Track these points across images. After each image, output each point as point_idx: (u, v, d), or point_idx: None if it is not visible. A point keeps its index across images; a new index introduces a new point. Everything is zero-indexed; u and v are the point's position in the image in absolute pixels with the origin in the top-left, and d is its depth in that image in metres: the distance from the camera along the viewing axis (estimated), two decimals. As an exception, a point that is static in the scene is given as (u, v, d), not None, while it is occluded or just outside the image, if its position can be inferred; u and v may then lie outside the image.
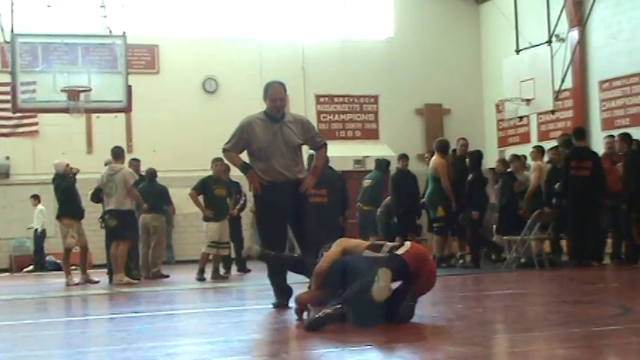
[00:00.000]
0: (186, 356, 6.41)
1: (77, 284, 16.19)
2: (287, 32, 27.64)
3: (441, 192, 16.92)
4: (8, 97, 19.82)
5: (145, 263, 17.85)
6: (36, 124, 24.74)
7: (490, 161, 22.80)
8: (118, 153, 16.51)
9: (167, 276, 17.52)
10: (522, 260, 16.48)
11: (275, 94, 9.74)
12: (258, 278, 13.53)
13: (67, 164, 16.98)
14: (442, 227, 17.20)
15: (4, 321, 10.19)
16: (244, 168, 9.80)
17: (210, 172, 16.72)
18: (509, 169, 17.98)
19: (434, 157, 17.36)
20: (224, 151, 9.99)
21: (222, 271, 17.03)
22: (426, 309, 8.41)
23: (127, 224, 16.33)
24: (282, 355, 6.43)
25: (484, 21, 28.96)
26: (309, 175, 9.85)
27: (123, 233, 16.19)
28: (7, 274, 22.32)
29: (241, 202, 18.36)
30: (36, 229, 23.77)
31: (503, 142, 27.62)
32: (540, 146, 19.52)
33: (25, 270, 23.64)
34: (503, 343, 6.56)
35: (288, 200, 9.54)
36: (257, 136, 9.67)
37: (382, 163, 20.26)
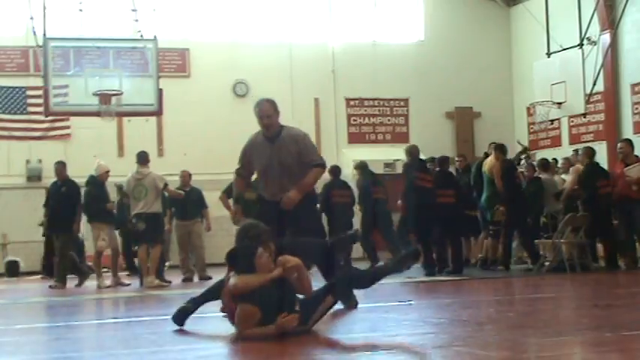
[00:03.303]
0: (216, 359, 6.43)
1: (108, 287, 16.27)
2: (317, 35, 27.67)
3: (497, 195, 16.80)
4: (41, 101, 20.00)
5: (183, 267, 17.89)
6: (68, 127, 24.87)
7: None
8: (144, 157, 16.56)
9: (210, 277, 17.32)
10: (547, 264, 16.42)
11: (261, 112, 9.61)
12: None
13: (108, 171, 17.09)
14: (498, 231, 17.13)
15: (36, 323, 10.26)
16: (237, 199, 9.91)
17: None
18: (537, 174, 17.99)
19: (489, 159, 17.25)
20: (236, 171, 10.08)
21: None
22: (456, 312, 8.39)
23: (156, 227, 16.39)
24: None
25: (515, 24, 28.86)
26: (293, 190, 9.55)
27: (153, 236, 16.24)
28: (39, 276, 22.41)
29: None
30: None
31: (534, 146, 27.50)
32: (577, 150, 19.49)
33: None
34: (533, 348, 6.53)
35: (279, 218, 9.39)
36: (255, 157, 9.70)
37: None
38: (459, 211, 16.98)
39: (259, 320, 6.86)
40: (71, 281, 17.52)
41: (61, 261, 17.21)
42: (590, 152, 17.25)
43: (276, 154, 9.55)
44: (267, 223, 9.42)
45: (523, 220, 16.95)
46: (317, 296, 7.29)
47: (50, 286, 16.71)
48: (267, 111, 9.60)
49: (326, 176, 16.80)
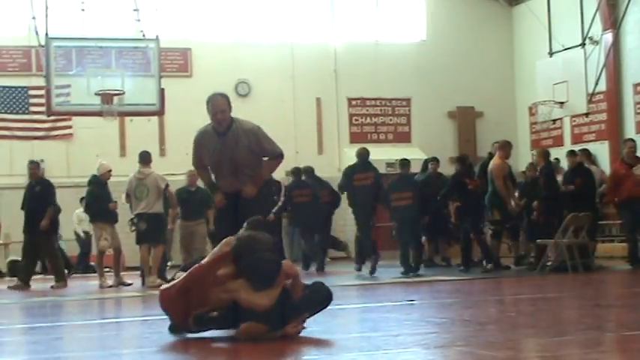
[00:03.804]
0: (219, 358, 6.44)
1: (110, 286, 16.29)
2: (319, 35, 27.66)
3: (498, 195, 16.80)
4: (43, 101, 19.99)
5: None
6: (70, 127, 24.85)
7: (522, 164, 22.67)
8: (146, 157, 16.54)
9: None
10: (549, 264, 16.42)
11: (215, 107, 9.49)
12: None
13: (110, 170, 17.07)
14: (498, 230, 17.17)
15: (39, 323, 10.27)
16: (212, 188, 9.84)
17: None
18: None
19: (494, 159, 17.26)
20: (193, 166, 10.09)
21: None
22: (458, 312, 8.39)
23: (159, 227, 16.40)
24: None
25: (517, 23, 28.83)
26: (250, 185, 9.51)
27: (155, 236, 16.25)
28: (41, 276, 22.41)
29: (279, 204, 18.12)
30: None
31: (536, 145, 27.44)
32: (586, 149, 19.48)
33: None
34: (535, 347, 6.54)
35: (233, 208, 9.40)
36: (206, 152, 9.62)
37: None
38: (416, 213, 17.04)
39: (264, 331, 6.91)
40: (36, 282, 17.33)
41: (53, 260, 17.24)
42: (545, 154, 17.45)
43: (228, 147, 9.44)
44: (224, 214, 9.45)
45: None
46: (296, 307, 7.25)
47: (52, 287, 16.72)
48: (221, 106, 9.49)
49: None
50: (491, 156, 18.02)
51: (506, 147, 17.17)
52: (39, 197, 17.11)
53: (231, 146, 9.43)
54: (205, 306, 7.14)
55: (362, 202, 17.02)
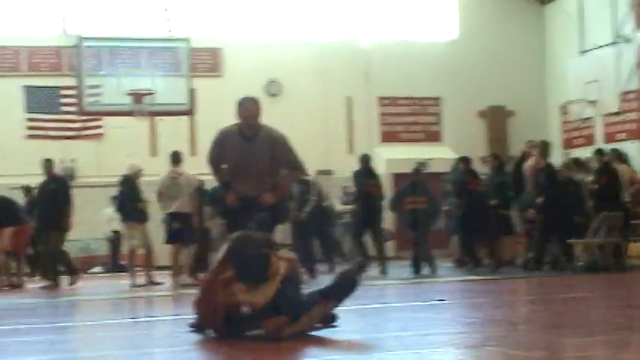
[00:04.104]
0: (247, 358, 6.44)
1: (141, 285, 16.33)
2: (350, 34, 27.64)
3: (530, 194, 16.77)
4: (74, 101, 20.12)
5: None
6: (101, 127, 24.98)
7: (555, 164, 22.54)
8: (177, 157, 16.57)
9: None
10: (580, 264, 16.34)
11: (246, 111, 9.35)
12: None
13: (141, 170, 17.11)
14: (530, 230, 17.11)
15: (70, 322, 10.32)
16: (225, 187, 9.72)
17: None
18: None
19: (531, 157, 17.23)
20: (208, 164, 9.95)
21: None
22: (488, 312, 8.35)
23: (191, 227, 16.43)
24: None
25: (548, 22, 28.69)
26: (268, 193, 9.37)
27: (187, 236, 16.27)
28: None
29: (311, 203, 18.00)
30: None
31: (567, 144, 27.32)
32: (615, 149, 19.35)
33: (90, 271, 23.90)
34: (567, 347, 6.50)
35: (244, 213, 9.13)
36: (228, 154, 9.51)
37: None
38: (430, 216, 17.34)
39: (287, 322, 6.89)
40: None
41: (53, 259, 17.32)
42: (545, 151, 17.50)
43: (251, 153, 9.33)
44: (234, 219, 9.33)
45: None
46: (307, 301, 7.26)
47: (41, 287, 16.77)
48: (252, 111, 9.35)
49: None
50: (524, 155, 17.96)
51: (544, 146, 17.17)
52: (54, 195, 17.19)
53: (256, 152, 9.31)
54: (217, 311, 7.15)
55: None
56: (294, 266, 7.28)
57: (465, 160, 19.49)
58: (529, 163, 16.92)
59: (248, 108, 9.36)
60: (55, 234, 17.27)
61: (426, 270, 16.67)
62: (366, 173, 17.78)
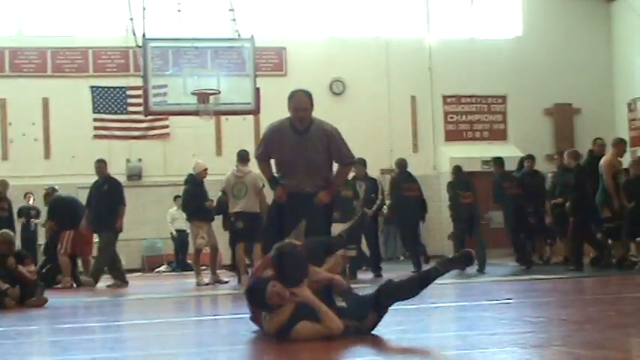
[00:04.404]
0: (310, 354, 6.44)
1: (207, 284, 16.42)
2: (414, 31, 27.59)
3: (606, 192, 16.60)
4: (140, 101, 20.27)
5: None
6: (167, 126, 25.20)
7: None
8: (244, 156, 16.56)
9: None
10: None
11: (298, 104, 9.28)
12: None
13: (206, 169, 17.18)
14: (610, 228, 16.91)
15: (136, 320, 10.41)
16: (273, 184, 9.60)
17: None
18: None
19: (606, 155, 17.06)
20: (256, 158, 9.87)
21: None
22: (554, 311, 8.28)
23: (257, 226, 16.43)
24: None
25: (615, 19, 28.37)
26: (324, 192, 9.40)
27: (254, 234, 16.16)
28: (139, 273, 22.75)
29: (377, 202, 17.89)
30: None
31: (635, 142, 26.98)
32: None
33: (156, 270, 24.13)
34: (635, 347, 6.42)
35: (295, 210, 9.24)
36: (280, 148, 9.42)
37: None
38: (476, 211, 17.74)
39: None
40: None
41: (99, 258, 17.44)
42: (576, 155, 17.47)
43: (304, 148, 9.29)
44: (276, 215, 9.28)
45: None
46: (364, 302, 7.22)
47: (108, 286, 16.92)
48: (304, 103, 9.30)
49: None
50: (592, 153, 17.74)
51: (619, 144, 17.01)
52: (106, 196, 17.32)
53: (309, 146, 9.28)
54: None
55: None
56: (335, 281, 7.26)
57: (529, 159, 19.37)
58: (605, 159, 16.70)
59: (299, 100, 9.31)
60: (106, 235, 17.40)
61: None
62: (405, 177, 18.05)
